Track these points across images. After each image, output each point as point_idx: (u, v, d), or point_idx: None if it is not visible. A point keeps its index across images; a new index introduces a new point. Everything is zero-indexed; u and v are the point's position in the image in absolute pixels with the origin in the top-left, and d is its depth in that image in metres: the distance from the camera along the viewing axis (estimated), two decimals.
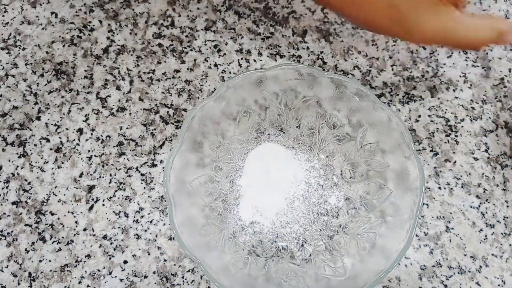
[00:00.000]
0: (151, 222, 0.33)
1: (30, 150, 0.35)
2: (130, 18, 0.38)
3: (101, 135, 0.35)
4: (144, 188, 0.34)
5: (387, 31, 0.28)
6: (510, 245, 0.33)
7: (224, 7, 0.39)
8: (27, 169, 0.34)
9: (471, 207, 0.33)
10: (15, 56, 0.37)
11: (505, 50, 0.38)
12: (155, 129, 0.35)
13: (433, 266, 0.32)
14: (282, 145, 0.33)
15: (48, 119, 0.36)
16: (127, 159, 0.34)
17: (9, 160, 0.34)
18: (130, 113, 0.36)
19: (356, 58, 0.37)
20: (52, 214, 0.33)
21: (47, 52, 0.37)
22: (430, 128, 0.36)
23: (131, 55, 0.37)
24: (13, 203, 0.33)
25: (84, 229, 0.32)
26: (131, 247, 0.32)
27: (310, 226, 0.32)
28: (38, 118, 0.35)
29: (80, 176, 0.34)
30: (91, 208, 0.33)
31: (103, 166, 0.34)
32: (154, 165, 0.34)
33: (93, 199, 0.33)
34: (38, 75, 0.37)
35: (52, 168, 0.34)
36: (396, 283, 0.31)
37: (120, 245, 0.32)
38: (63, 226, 0.33)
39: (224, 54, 0.37)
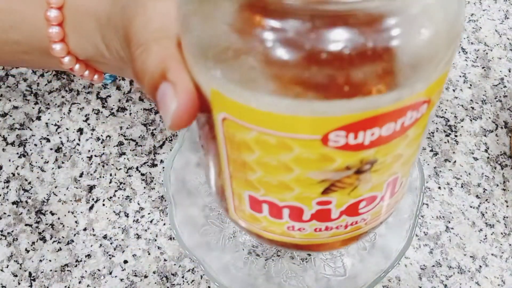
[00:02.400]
0: (151, 222, 0.33)
1: (31, 150, 0.35)
2: None
3: (101, 135, 0.35)
4: (144, 188, 0.34)
5: None
6: (510, 245, 0.33)
7: None
8: (27, 169, 0.34)
9: (471, 207, 0.33)
10: None
11: (504, 50, 0.38)
12: (155, 129, 0.35)
13: (433, 266, 0.32)
14: None
15: (49, 119, 0.36)
16: (127, 159, 0.34)
17: (9, 160, 0.34)
18: (130, 113, 0.36)
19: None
20: (52, 214, 0.33)
21: None
22: (429, 128, 0.36)
23: None
24: (13, 203, 0.33)
25: (84, 229, 0.32)
26: (131, 247, 0.32)
27: None
28: (39, 118, 0.35)
29: (80, 176, 0.34)
30: (91, 208, 0.33)
31: (103, 166, 0.34)
32: (154, 165, 0.34)
33: (93, 199, 0.33)
34: (38, 75, 0.37)
35: (52, 168, 0.34)
36: (396, 282, 0.31)
37: (120, 245, 0.32)
38: (63, 226, 0.33)
39: None
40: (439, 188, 0.34)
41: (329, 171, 0.16)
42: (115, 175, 0.34)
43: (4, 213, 0.33)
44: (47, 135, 0.35)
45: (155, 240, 0.32)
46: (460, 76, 0.37)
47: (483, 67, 0.38)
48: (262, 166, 0.16)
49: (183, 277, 0.31)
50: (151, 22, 0.19)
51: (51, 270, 0.31)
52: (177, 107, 0.16)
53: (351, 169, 0.16)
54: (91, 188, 0.34)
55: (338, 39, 0.13)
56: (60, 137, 0.35)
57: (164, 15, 0.18)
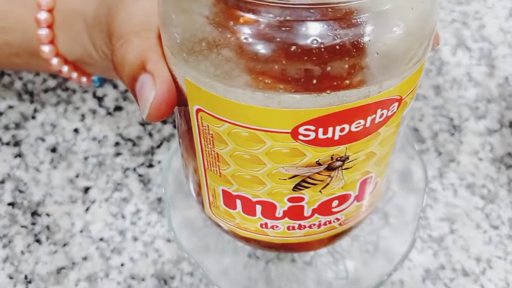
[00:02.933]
0: (148, 224, 0.32)
1: (26, 150, 0.34)
2: None
3: (98, 135, 0.35)
4: (142, 189, 0.33)
5: None
6: None
7: None
8: (22, 170, 0.34)
9: (475, 208, 0.33)
10: None
11: (509, 48, 0.38)
12: (153, 129, 0.35)
13: (437, 268, 0.31)
14: None
15: (44, 119, 0.35)
16: (124, 159, 0.34)
17: (5, 161, 0.34)
18: (127, 113, 0.35)
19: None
20: (48, 216, 0.32)
21: None
22: (434, 128, 0.35)
23: None
24: (8, 204, 0.33)
25: (81, 231, 0.32)
26: (128, 249, 0.32)
27: None
28: (34, 118, 0.35)
29: (76, 176, 0.33)
30: (87, 209, 0.33)
31: (99, 167, 0.34)
32: (152, 166, 0.34)
33: (89, 200, 0.33)
34: (33, 73, 0.37)
35: (48, 169, 0.34)
36: (399, 286, 0.31)
37: (117, 247, 0.32)
38: (59, 227, 0.32)
39: None
40: (443, 189, 0.33)
41: (300, 166, 0.16)
42: (112, 176, 0.33)
43: (0, 214, 0.33)
44: (43, 135, 0.35)
45: (153, 242, 0.32)
46: (464, 75, 0.37)
47: (487, 66, 0.37)
48: (234, 159, 0.17)
49: (181, 280, 0.31)
50: (133, 16, 0.19)
51: (47, 273, 0.31)
52: (155, 98, 0.16)
53: (322, 165, 0.17)
54: (87, 189, 0.33)
55: (308, 34, 0.13)
56: (55, 137, 0.35)
57: (146, 11, 0.19)
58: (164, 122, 0.35)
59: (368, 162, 0.18)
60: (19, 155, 0.34)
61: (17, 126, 0.35)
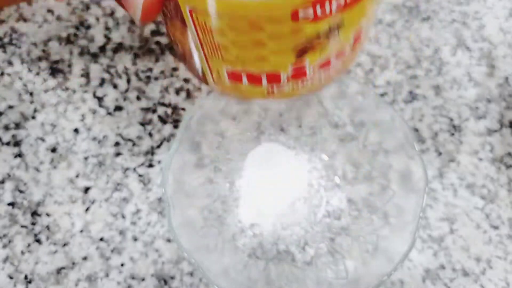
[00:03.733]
0: (148, 224, 0.32)
1: (26, 150, 0.34)
2: (128, 16, 0.38)
3: (98, 135, 0.35)
4: (142, 189, 0.33)
5: None
6: None
7: None
8: (22, 170, 0.34)
9: (475, 208, 0.33)
10: (10, 55, 0.37)
11: (509, 48, 0.38)
12: (153, 129, 0.35)
13: (437, 268, 0.31)
14: (282, 145, 0.33)
15: (44, 119, 0.35)
16: (125, 159, 0.34)
17: (5, 161, 0.34)
18: (127, 113, 0.35)
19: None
20: (48, 216, 0.32)
21: (43, 50, 0.37)
22: (434, 128, 0.35)
23: (129, 53, 0.37)
24: (8, 204, 0.33)
25: (81, 231, 0.32)
26: (128, 249, 0.31)
27: (311, 228, 0.31)
28: (34, 118, 0.35)
29: (77, 176, 0.33)
30: (87, 209, 0.33)
31: (99, 167, 0.34)
32: (152, 166, 0.34)
33: (89, 201, 0.33)
34: (34, 73, 0.36)
35: (48, 169, 0.34)
36: (399, 286, 0.31)
37: (117, 247, 0.32)
38: (59, 227, 0.32)
39: None
40: (443, 189, 0.33)
41: (301, 39, 0.17)
42: (112, 176, 0.33)
43: (0, 214, 0.32)
44: (43, 135, 0.35)
45: (153, 242, 0.32)
46: (464, 75, 0.37)
47: (487, 66, 0.37)
48: (237, 45, 0.17)
49: (181, 280, 0.31)
50: None
51: (47, 273, 0.31)
52: None
53: (321, 34, 0.17)
54: (87, 189, 0.33)
55: None
56: (55, 137, 0.34)
57: None
58: (164, 122, 0.35)
59: (361, 19, 0.19)
60: (19, 155, 0.34)
61: (17, 126, 0.35)
